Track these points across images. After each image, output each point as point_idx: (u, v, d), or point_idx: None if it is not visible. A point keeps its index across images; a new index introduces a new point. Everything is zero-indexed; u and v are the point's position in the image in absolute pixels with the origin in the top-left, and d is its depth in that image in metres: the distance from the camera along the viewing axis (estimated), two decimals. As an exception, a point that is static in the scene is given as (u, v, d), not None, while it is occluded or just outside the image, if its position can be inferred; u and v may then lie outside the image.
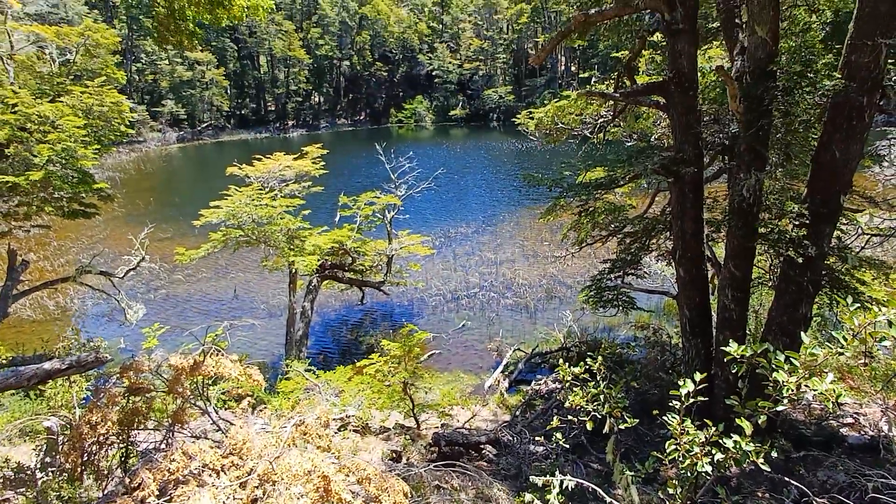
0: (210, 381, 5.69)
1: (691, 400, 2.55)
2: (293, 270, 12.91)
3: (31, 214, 13.08)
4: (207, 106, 71.20)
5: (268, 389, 9.81)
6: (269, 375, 11.99)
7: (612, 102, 9.69)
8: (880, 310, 2.55)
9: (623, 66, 8.94)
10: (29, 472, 4.92)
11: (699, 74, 7.59)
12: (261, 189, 13.65)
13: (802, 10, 8.63)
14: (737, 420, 2.36)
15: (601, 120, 10.94)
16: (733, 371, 2.69)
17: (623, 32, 9.80)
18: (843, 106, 5.42)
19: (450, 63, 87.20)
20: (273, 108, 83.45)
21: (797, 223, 5.84)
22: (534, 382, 11.19)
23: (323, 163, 15.51)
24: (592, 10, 7.37)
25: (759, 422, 2.37)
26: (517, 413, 9.58)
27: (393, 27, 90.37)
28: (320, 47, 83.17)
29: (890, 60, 5.29)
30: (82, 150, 12.31)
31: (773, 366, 2.38)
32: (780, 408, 2.36)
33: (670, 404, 2.72)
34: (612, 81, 11.00)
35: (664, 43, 9.71)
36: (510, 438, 7.13)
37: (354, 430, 6.75)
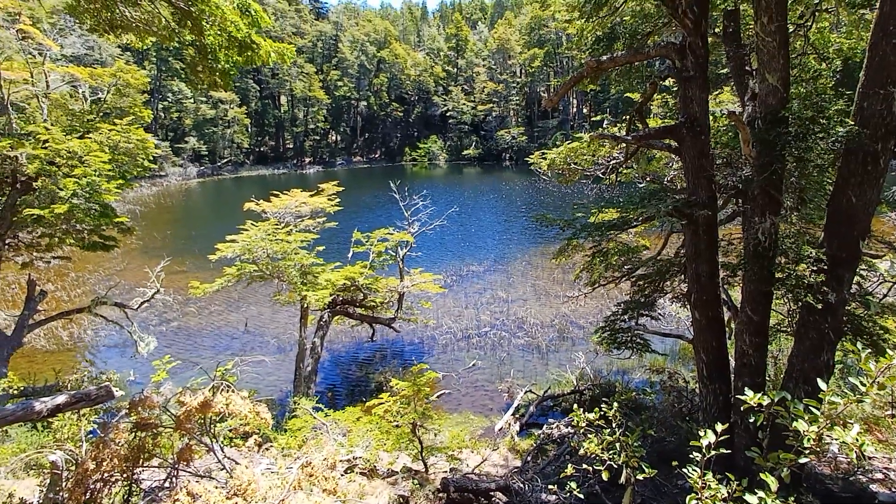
0: (218, 419, 5.62)
1: (712, 452, 2.46)
2: (305, 305, 12.94)
3: (52, 246, 13.39)
4: (228, 143, 73.55)
5: (275, 426, 9.66)
6: (277, 412, 11.83)
7: (624, 145, 9.84)
8: (900, 357, 2.46)
9: (635, 110, 9.10)
10: (31, 508, 4.85)
11: (711, 119, 7.69)
12: (277, 224, 13.86)
13: (812, 58, 8.79)
14: (760, 474, 2.26)
15: (613, 161, 11.05)
16: (751, 420, 2.59)
17: (634, 78, 10.03)
18: (857, 152, 5.42)
19: (464, 104, 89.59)
20: (291, 146, 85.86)
21: (815, 268, 5.75)
22: (546, 426, 10.88)
23: (338, 199, 15.78)
24: (604, 57, 7.57)
25: (783, 475, 2.26)
26: (528, 458, 9.27)
27: (409, 70, 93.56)
28: (339, 88, 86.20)
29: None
30: (106, 184, 12.69)
31: (793, 415, 2.29)
32: (803, 460, 2.26)
33: (690, 455, 2.62)
34: (623, 124, 11.18)
35: (676, 87, 9.92)
36: (521, 486, 6.88)
37: (361, 473, 6.57)
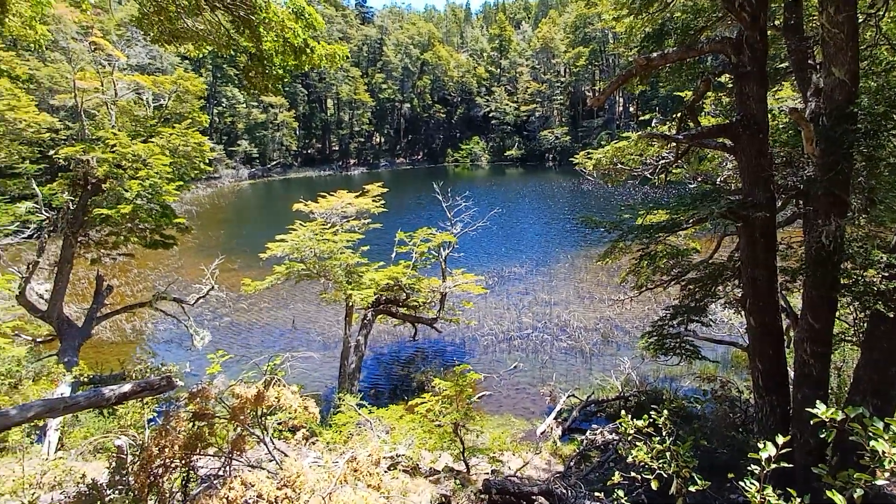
0: (269, 412, 5.84)
1: (772, 465, 2.35)
2: (350, 304, 13.23)
3: (118, 243, 14.28)
4: (277, 145, 76.25)
5: (320, 422, 9.94)
6: (322, 408, 12.12)
7: (674, 144, 9.52)
8: None
9: (686, 108, 8.80)
10: (100, 489, 5.18)
11: (769, 116, 7.33)
12: (323, 224, 14.25)
13: (884, 49, 8.22)
14: (827, 493, 2.14)
15: (662, 161, 10.70)
16: (820, 435, 2.45)
17: (685, 75, 9.67)
18: (936, 150, 5.04)
19: (507, 105, 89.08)
20: (337, 148, 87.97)
21: (886, 274, 5.38)
22: (589, 432, 10.67)
23: (382, 200, 16.05)
24: (655, 54, 7.35)
25: (855, 497, 2.13)
26: (571, 464, 9.13)
27: (452, 72, 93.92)
28: (383, 91, 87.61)
29: None
30: (166, 185, 13.44)
31: (871, 433, 2.14)
32: (880, 482, 2.12)
33: (747, 467, 2.51)
34: (674, 123, 10.82)
35: (730, 84, 9.50)
36: (564, 491, 6.78)
37: (404, 470, 6.66)
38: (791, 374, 7.03)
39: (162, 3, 5.99)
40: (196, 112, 16.58)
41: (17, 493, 5.94)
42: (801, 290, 6.75)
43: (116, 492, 5.27)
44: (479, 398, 12.89)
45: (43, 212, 12.97)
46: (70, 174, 13.35)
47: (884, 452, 2.09)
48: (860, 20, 6.81)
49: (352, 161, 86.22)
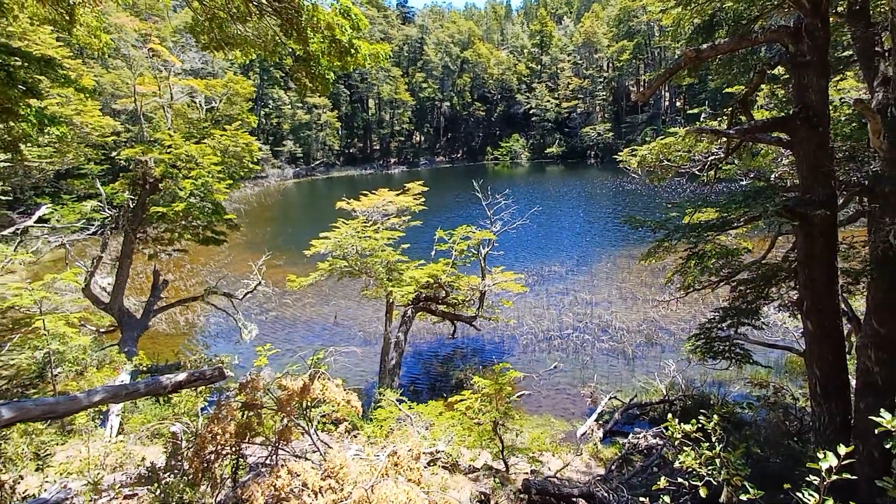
0: (313, 404, 6.01)
1: (833, 477, 2.23)
2: (390, 301, 13.42)
3: (173, 240, 15.03)
4: (321, 145, 78.19)
5: (361, 416, 10.15)
6: (363, 402, 12.35)
7: (724, 140, 9.14)
8: None
9: (738, 101, 8.43)
10: (157, 472, 5.49)
11: (830, 108, 6.92)
12: (365, 222, 14.52)
13: (962, 35, 7.60)
14: (893, 507, 2.01)
15: (712, 158, 10.29)
16: (885, 447, 2.31)
17: (736, 67, 9.25)
18: None
19: (547, 101, 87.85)
20: (378, 147, 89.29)
21: (963, 277, 4.99)
22: (631, 435, 10.42)
23: (422, 199, 16.17)
24: (705, 46, 7.08)
25: (924, 512, 2.00)
26: (612, 467, 8.94)
27: (492, 69, 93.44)
28: (423, 90, 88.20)
29: None
30: (217, 184, 14.04)
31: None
32: (953, 499, 1.97)
33: (805, 478, 2.39)
34: (724, 117, 10.39)
35: (786, 76, 9.03)
36: (605, 495, 6.65)
37: (443, 467, 6.71)
38: (852, 381, 6.63)
39: (214, 11, 6.25)
40: (245, 113, 17.21)
41: (83, 473, 6.35)
42: (865, 293, 6.36)
43: (172, 475, 5.57)
44: (518, 397, 12.80)
45: (106, 210, 13.79)
46: (130, 174, 14.15)
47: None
48: (935, 3, 6.32)
49: (392, 160, 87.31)
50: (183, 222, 14.56)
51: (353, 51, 5.58)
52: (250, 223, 37.21)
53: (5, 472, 5.41)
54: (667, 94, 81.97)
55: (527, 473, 7.46)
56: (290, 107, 73.03)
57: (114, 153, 14.28)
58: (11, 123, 5.51)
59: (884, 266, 5.52)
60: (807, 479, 2.37)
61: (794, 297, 8.43)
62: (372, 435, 7.89)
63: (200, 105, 16.91)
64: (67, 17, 6.54)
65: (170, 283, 19.88)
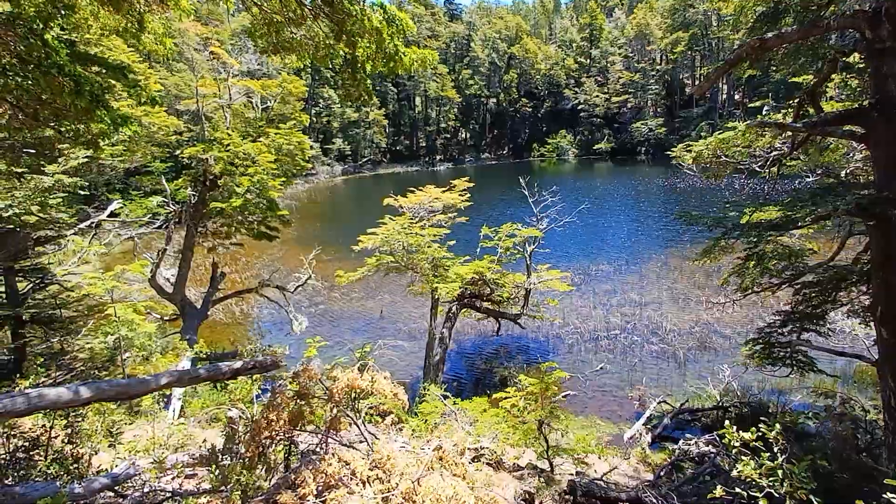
0: (361, 395, 6.16)
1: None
2: (435, 297, 13.53)
3: (230, 234, 15.76)
4: (369, 143, 79.71)
5: (406, 409, 10.30)
6: (408, 396, 12.56)
7: (790, 134, 8.64)
8: None
9: (806, 93, 7.95)
10: (217, 454, 5.79)
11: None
12: (411, 219, 14.69)
13: None
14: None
15: (775, 153, 9.76)
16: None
17: (805, 57, 8.71)
18: None
19: (596, 96, 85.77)
20: (424, 144, 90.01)
21: None
22: (682, 442, 10.05)
23: (468, 195, 16.18)
24: (770, 35, 6.72)
25: None
26: (662, 473, 8.67)
27: (540, 64, 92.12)
28: (470, 87, 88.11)
29: None
30: (271, 181, 14.58)
31: None
32: None
33: (881, 495, 2.24)
34: (790, 110, 9.80)
35: (861, 65, 8.42)
36: (654, 501, 6.46)
37: (487, 463, 6.72)
38: (932, 395, 6.14)
39: (271, 15, 6.49)
40: (298, 113, 17.78)
41: (149, 452, 6.78)
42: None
43: (229, 457, 5.86)
44: (563, 397, 12.62)
45: (170, 205, 14.62)
46: (192, 171, 14.93)
47: None
48: None
49: (438, 157, 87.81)
50: (239, 217, 15.23)
51: (397, 57, 5.67)
52: (301, 219, 38.42)
53: (82, 446, 5.87)
54: (724, 87, 78.07)
55: (572, 475, 7.36)
56: (339, 105, 74.80)
57: (177, 151, 15.11)
58: (91, 125, 5.94)
59: (972, 270, 5.08)
60: (884, 496, 2.23)
61: (867, 303, 7.89)
62: (417, 428, 8.00)
63: (256, 105, 17.60)
64: (137, 25, 6.96)
65: (227, 276, 20.86)
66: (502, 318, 15.28)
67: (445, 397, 9.79)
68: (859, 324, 10.47)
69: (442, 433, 6.59)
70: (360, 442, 6.55)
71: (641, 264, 24.66)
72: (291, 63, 7.51)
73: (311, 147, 18.41)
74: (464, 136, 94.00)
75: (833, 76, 9.46)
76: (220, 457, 5.99)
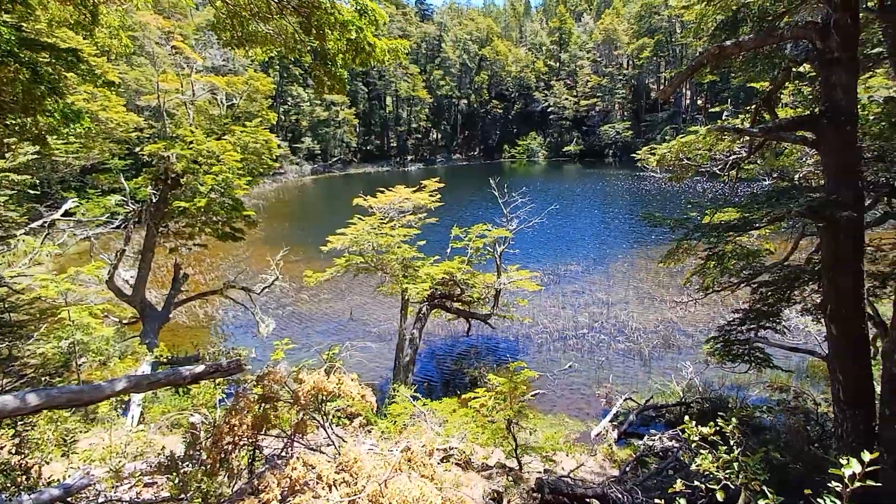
0: (329, 398, 6.07)
1: (856, 484, 2.18)
2: (405, 297, 13.47)
3: (194, 234, 15.30)
4: (339, 142, 78.74)
5: (376, 411, 10.22)
6: (377, 398, 12.42)
7: (747, 139, 8.97)
8: None
9: (762, 100, 8.25)
10: (176, 461, 5.60)
11: (859, 106, 6.74)
12: (381, 219, 14.59)
13: None
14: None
15: (733, 157, 10.12)
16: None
17: (760, 65, 9.07)
18: None
19: (566, 99, 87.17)
20: (395, 144, 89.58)
21: None
22: (647, 437, 10.32)
23: (439, 196, 16.18)
24: (728, 43, 6.96)
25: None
26: (627, 469, 8.86)
27: (510, 66, 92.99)
28: (441, 87, 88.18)
29: None
30: (237, 180, 14.23)
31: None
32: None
33: (826, 485, 2.34)
34: (747, 115, 10.18)
35: (813, 73, 8.82)
36: (619, 496, 6.60)
37: (456, 464, 6.73)
38: (877, 388, 6.46)
39: (235, 9, 6.33)
40: (265, 110, 17.40)
41: (106, 461, 6.51)
42: (892, 297, 6.19)
43: (190, 464, 5.68)
44: (532, 396, 12.76)
45: (129, 204, 14.09)
46: (153, 169, 14.43)
47: None
48: (972, -2, 6.12)
49: (409, 157, 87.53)
50: (203, 217, 14.81)
51: (369, 48, 5.60)
52: (269, 219, 37.65)
53: (31, 456, 5.58)
54: (688, 93, 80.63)
55: (540, 472, 7.44)
56: (308, 104, 73.64)
57: (137, 149, 14.57)
58: (39, 118, 5.64)
59: (913, 269, 5.37)
60: (828, 485, 2.32)
61: (818, 301, 8.25)
62: (386, 430, 7.94)
63: (221, 102, 17.14)
64: (90, 18, 6.66)
65: (190, 277, 20.23)
66: (473, 318, 15.35)
67: (415, 398, 9.76)
68: (812, 321, 10.98)
69: (411, 434, 6.56)
70: (328, 445, 6.45)
71: (609, 264, 25.19)
72: (257, 56, 7.22)
73: (279, 146, 18.05)
74: (435, 136, 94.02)
75: (787, 84, 9.88)
76: (181, 464, 5.80)
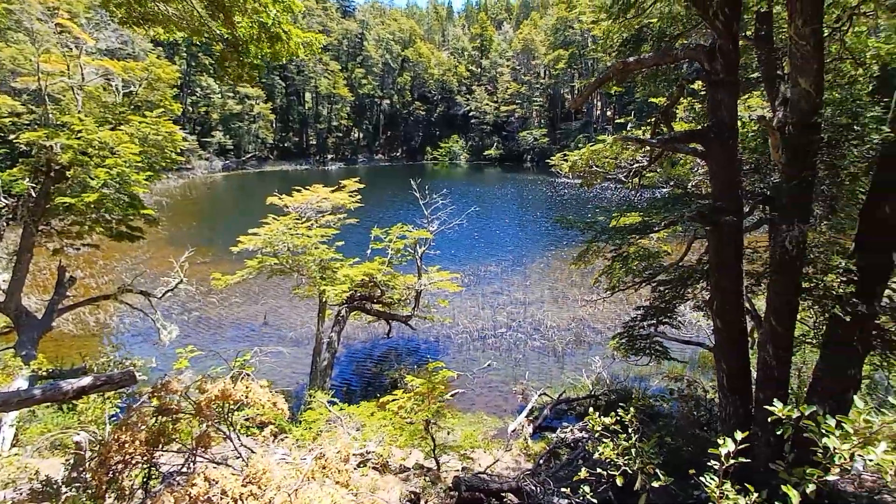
0: (236, 407, 5.72)
1: (731, 461, 2.41)
2: (323, 300, 13.07)
3: (82, 234, 13.78)
4: (253, 138, 74.84)
5: (290, 418, 9.79)
6: (293, 404, 11.99)
7: (648, 148, 9.69)
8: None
9: (660, 113, 8.96)
10: (55, 486, 4.99)
11: (739, 123, 7.53)
12: (298, 219, 14.04)
13: (848, 63, 8.54)
14: (782, 487, 2.21)
15: (636, 165, 10.87)
16: (777, 433, 2.53)
17: (661, 81, 9.86)
18: (892, 160, 5.25)
19: (487, 105, 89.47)
20: (314, 142, 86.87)
21: (844, 279, 5.59)
22: (559, 430, 10.81)
23: (359, 196, 15.89)
24: (631, 59, 7.48)
25: (808, 491, 2.21)
26: (541, 461, 9.22)
27: (433, 69, 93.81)
28: (363, 86, 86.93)
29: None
30: (135, 175, 13.01)
31: (824, 430, 2.23)
32: (831, 478, 2.20)
33: (706, 463, 2.57)
34: (649, 127, 11.02)
35: (704, 91, 9.72)
36: (533, 488, 6.84)
37: (374, 468, 6.61)
38: (754, 374, 7.25)
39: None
40: (168, 100, 16.09)
41: (-33, 492, 5.68)
42: (766, 294, 6.97)
43: (73, 489, 5.09)
44: (451, 396, 12.90)
45: (1, 198, 12.42)
46: (32, 160, 12.81)
47: (835, 449, 2.17)
48: (826, 34, 7.05)
49: (329, 156, 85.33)
50: (94, 215, 13.37)
51: (284, 37, 5.34)
52: (173, 217, 34.95)
53: None
54: (599, 104, 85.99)
55: (458, 471, 7.53)
56: (219, 96, 69.33)
57: (12, 136, 12.83)
58: None
59: (781, 269, 6.07)
60: (708, 464, 2.55)
61: (707, 297, 9.09)
62: (300, 438, 7.63)
63: (117, 89, 15.60)
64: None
65: (78, 281, 18.24)
66: (393, 319, 15.24)
67: (333, 403, 9.49)
68: (702, 316, 12.08)
69: (326, 441, 6.35)
70: (236, 457, 6.07)
71: (526, 265, 26.15)
72: (159, 35, 6.58)
73: (185, 139, 16.77)
74: (357, 135, 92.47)
75: (682, 100, 10.82)
76: (63, 488, 5.18)
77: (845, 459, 2.16)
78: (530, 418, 12.12)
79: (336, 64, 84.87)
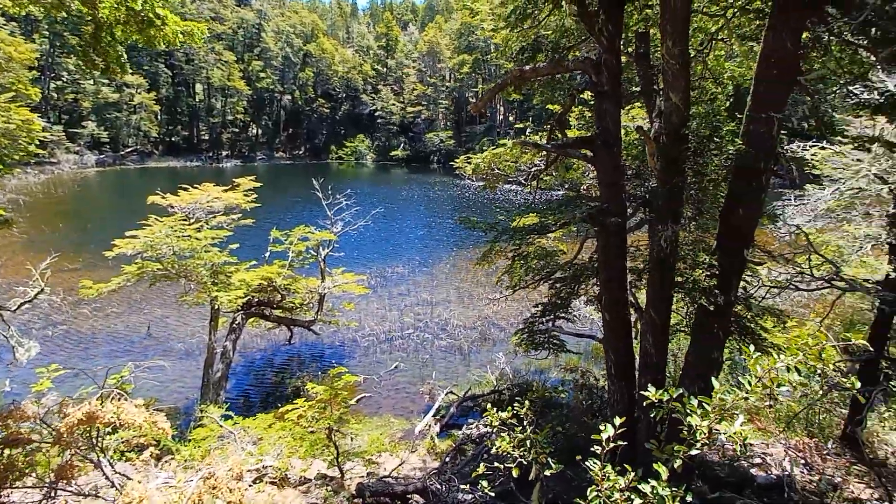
0: (108, 430, 5.10)
1: (613, 444, 2.59)
2: (216, 307, 12.15)
3: None
4: (134, 130, 67.75)
5: (178, 437, 8.94)
6: (181, 422, 10.99)
7: (544, 153, 10.22)
8: (779, 356, 2.76)
9: (555, 120, 9.49)
10: None
11: (623, 132, 8.20)
12: (185, 220, 12.92)
13: (710, 82, 9.66)
14: (654, 465, 2.41)
15: (534, 168, 11.41)
16: (652, 415, 2.76)
17: (557, 89, 10.44)
18: (744, 169, 6.01)
19: (393, 105, 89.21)
20: (207, 137, 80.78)
21: (709, 274, 6.29)
22: (465, 427, 11.03)
23: (255, 195, 14.99)
24: (527, 67, 7.85)
25: (676, 466, 2.43)
26: (447, 459, 9.33)
27: (337, 66, 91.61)
28: (261, 80, 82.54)
29: (782, 131, 5.98)
30: (-20, 168, 11.17)
31: (688, 410, 2.47)
32: (693, 452, 2.44)
33: (593, 449, 2.75)
34: (545, 133, 11.64)
35: (592, 101, 10.46)
36: (438, 487, 6.89)
37: (271, 482, 6.24)
38: (638, 362, 7.92)
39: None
40: (24, 84, 14.04)
41: None
42: (646, 288, 7.65)
43: None
44: (357, 401, 12.63)
45: None
46: None
47: (697, 426, 2.41)
48: (692, 55, 7.91)
49: (224, 153, 79.76)
50: (-76, 214, 11.28)
51: (157, 22, 4.84)
52: (33, 218, 30.60)
53: None
54: (502, 109, 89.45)
55: (362, 477, 7.36)
56: (91, 82, 61.82)
57: None
58: None
59: (657, 265, 6.70)
60: (592, 449, 2.71)
61: (597, 293, 9.79)
62: (189, 458, 7.00)
63: (-45, 66, 13.31)
64: None
65: None
66: (295, 325, 14.59)
67: (227, 417, 8.84)
68: (594, 310, 13.00)
69: (217, 458, 5.88)
70: (109, 487, 5.43)
71: (433, 265, 26.41)
72: (6, 7, 5.62)
73: (46, 129, 14.73)
74: (255, 131, 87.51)
75: (574, 108, 11.54)
76: None
77: (705, 434, 2.41)
78: (437, 417, 12.23)
79: (231, 54, 79.59)
